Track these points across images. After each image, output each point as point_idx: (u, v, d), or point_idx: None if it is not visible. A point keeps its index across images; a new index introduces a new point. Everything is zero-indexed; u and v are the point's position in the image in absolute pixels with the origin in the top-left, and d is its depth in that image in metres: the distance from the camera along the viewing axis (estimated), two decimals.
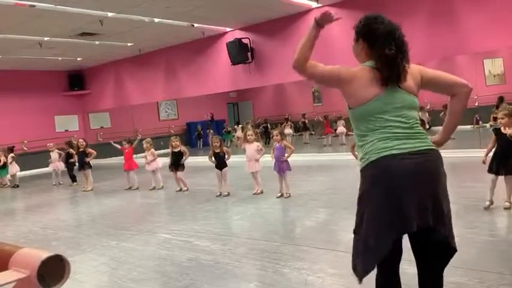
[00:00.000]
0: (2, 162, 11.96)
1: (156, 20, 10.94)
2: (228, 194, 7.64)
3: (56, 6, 8.98)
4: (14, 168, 12.26)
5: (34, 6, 8.84)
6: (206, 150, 13.37)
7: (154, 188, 9.13)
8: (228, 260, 4.26)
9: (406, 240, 2.21)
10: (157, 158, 9.21)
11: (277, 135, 7.14)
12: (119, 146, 10.01)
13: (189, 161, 9.05)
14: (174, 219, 6.40)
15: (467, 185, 6.62)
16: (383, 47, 2.15)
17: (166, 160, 8.93)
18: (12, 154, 12.43)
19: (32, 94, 16.10)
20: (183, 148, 8.67)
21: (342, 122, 14.79)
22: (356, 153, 6.07)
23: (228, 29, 12.88)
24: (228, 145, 15.95)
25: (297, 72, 2.26)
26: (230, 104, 23.47)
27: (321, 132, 16.27)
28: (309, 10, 11.22)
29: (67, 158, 11.05)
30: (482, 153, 5.33)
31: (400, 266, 2.28)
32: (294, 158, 7.70)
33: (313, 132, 17.22)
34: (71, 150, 10.74)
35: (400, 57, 2.16)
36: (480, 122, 14.10)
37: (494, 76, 17.01)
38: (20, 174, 12.69)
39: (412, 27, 9.70)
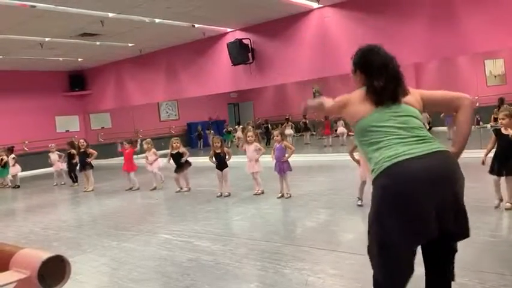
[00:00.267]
0: (3, 162, 11.97)
1: (157, 20, 10.95)
2: (229, 195, 7.64)
3: (57, 6, 8.99)
4: (15, 169, 12.28)
5: (35, 6, 8.85)
6: (206, 150, 13.38)
7: (155, 188, 9.13)
8: (229, 260, 4.26)
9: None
10: (159, 158, 9.22)
11: (277, 136, 7.14)
12: (119, 148, 10.00)
13: (189, 161, 9.04)
14: (175, 220, 6.40)
15: (468, 185, 6.53)
16: (372, 79, 2.23)
17: (165, 160, 8.90)
18: (13, 155, 12.45)
19: (33, 94, 16.13)
20: (182, 149, 8.65)
21: (342, 122, 14.79)
22: (355, 157, 6.05)
23: (228, 30, 12.89)
24: (229, 146, 15.94)
25: None
26: (231, 105, 23.50)
27: (321, 132, 16.28)
28: (309, 10, 11.21)
29: (69, 159, 11.06)
30: (482, 154, 5.33)
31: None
32: (295, 159, 7.70)
33: (314, 133, 17.21)
34: (73, 151, 10.75)
35: (391, 87, 2.20)
36: (481, 123, 14.09)
37: (495, 77, 17.00)
38: (20, 174, 12.70)
39: (412, 27, 9.71)
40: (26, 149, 15.47)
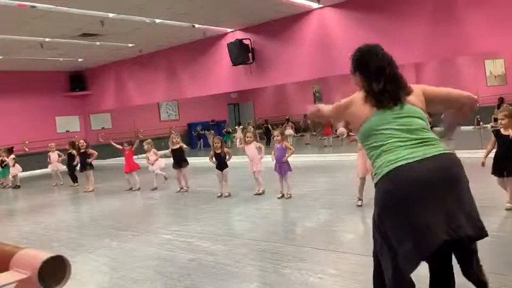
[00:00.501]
0: (3, 164, 11.98)
1: (157, 20, 10.95)
2: (229, 195, 7.63)
3: (57, 7, 8.99)
4: (16, 170, 12.29)
5: (35, 7, 8.85)
6: (206, 151, 13.39)
7: (155, 188, 9.13)
8: (229, 260, 4.26)
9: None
10: (159, 157, 9.23)
11: (278, 136, 7.14)
12: (119, 146, 10.01)
13: (190, 161, 9.05)
14: (175, 220, 6.40)
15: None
16: (371, 81, 2.22)
17: (167, 161, 8.92)
18: (12, 156, 12.45)
19: (33, 95, 16.14)
20: (182, 145, 8.68)
21: (342, 122, 14.73)
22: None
23: (229, 30, 12.89)
24: (229, 146, 15.94)
25: None
26: (231, 105, 23.51)
27: (321, 132, 16.25)
28: (310, 11, 11.21)
29: (69, 159, 11.06)
30: (482, 154, 5.31)
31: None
32: (295, 159, 7.71)
33: (314, 133, 17.21)
34: (73, 151, 10.76)
35: (391, 89, 2.19)
36: (481, 123, 14.09)
37: (495, 77, 17.00)
38: (21, 175, 12.71)
39: (413, 27, 9.70)
40: (26, 149, 15.46)
